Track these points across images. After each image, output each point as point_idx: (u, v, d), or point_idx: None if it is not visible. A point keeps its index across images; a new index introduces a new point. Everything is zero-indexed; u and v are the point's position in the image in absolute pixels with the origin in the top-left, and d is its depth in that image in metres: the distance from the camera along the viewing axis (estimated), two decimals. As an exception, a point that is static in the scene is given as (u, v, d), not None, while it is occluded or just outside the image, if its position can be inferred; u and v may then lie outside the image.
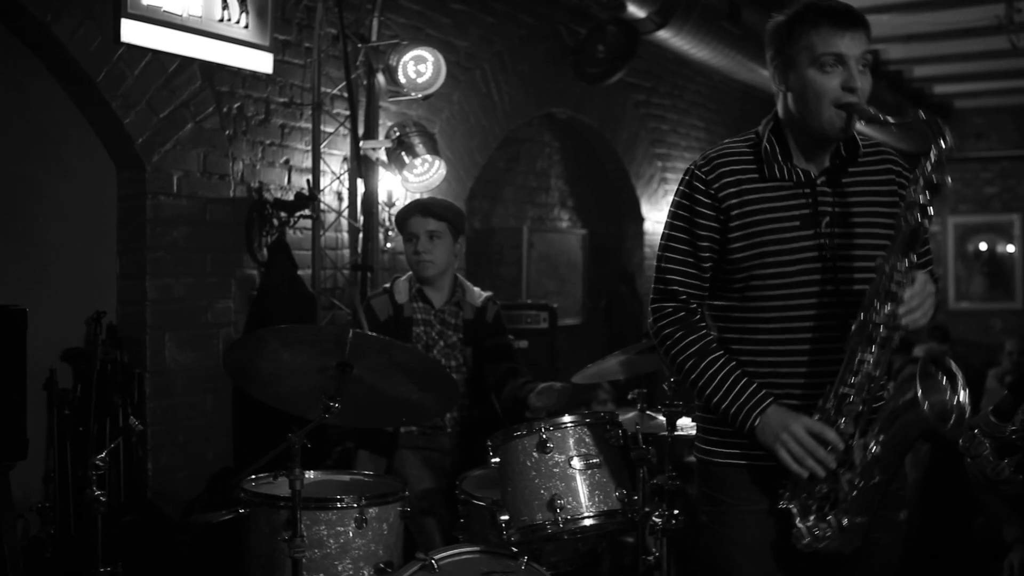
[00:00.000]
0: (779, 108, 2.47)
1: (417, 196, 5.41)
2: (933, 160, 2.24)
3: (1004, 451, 2.44)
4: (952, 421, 2.26)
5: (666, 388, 3.72)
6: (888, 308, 2.25)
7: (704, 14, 6.84)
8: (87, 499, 2.97)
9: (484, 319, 3.99)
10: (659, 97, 8.49)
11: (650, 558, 3.47)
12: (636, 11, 6.58)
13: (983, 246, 12.99)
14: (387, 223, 5.43)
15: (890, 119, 2.33)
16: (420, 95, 5.42)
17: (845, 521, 2.30)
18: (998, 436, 2.45)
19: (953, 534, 5.28)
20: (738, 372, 2.40)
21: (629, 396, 3.95)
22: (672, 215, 2.50)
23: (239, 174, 4.82)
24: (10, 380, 3.39)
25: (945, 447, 4.84)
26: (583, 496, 3.01)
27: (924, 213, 2.24)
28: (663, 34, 6.87)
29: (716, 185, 2.42)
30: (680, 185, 2.50)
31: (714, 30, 7.04)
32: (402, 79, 5.28)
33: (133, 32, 4.21)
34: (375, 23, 5.38)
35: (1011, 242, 12.86)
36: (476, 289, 4.05)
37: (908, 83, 10.98)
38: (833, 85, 2.32)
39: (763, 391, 2.37)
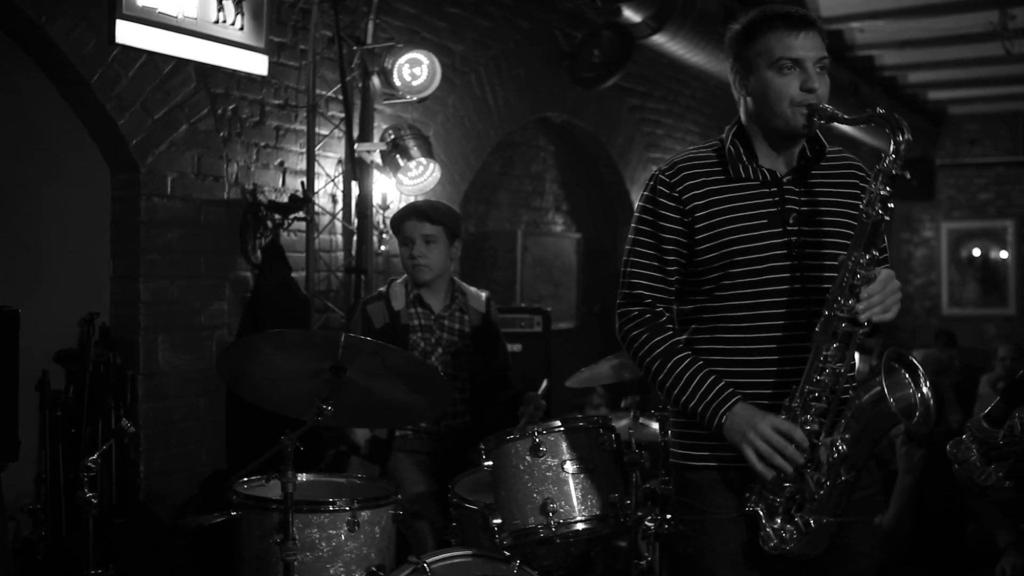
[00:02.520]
0: (741, 113, 2.51)
1: (412, 199, 5.44)
2: (893, 152, 2.27)
3: (992, 457, 2.44)
4: (917, 416, 2.27)
5: (659, 392, 3.72)
6: (851, 303, 2.27)
7: (699, 19, 6.85)
8: (79, 501, 2.97)
9: (490, 327, 3.99)
10: (654, 102, 8.50)
11: (643, 562, 3.47)
12: (632, 16, 6.59)
13: (977, 252, 13.02)
14: (381, 226, 5.43)
15: (849, 117, 2.36)
16: (415, 98, 5.43)
17: (812, 522, 2.31)
18: (990, 442, 2.45)
19: (946, 539, 5.29)
20: (705, 370, 2.41)
21: (623, 404, 3.96)
22: (637, 220, 2.52)
23: (233, 176, 4.81)
24: (2, 381, 3.38)
25: (939, 453, 4.85)
26: (576, 500, 3.01)
27: (885, 206, 2.26)
28: (658, 39, 6.88)
29: (680, 188, 2.45)
30: (644, 190, 2.53)
31: (709, 35, 7.05)
32: (397, 82, 5.28)
33: (128, 33, 4.21)
34: (370, 26, 5.39)
35: (1005, 248, 12.89)
36: (473, 290, 4.05)
37: (902, 89, 11.01)
38: (793, 86, 2.37)
39: (730, 389, 2.38)
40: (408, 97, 5.40)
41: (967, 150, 13.17)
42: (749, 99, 2.46)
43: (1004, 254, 12.89)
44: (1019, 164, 12.84)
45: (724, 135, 2.50)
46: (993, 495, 2.47)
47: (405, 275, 3.99)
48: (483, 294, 4.05)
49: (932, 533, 5.36)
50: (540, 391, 4.02)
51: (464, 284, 4.05)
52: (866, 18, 8.16)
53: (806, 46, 2.37)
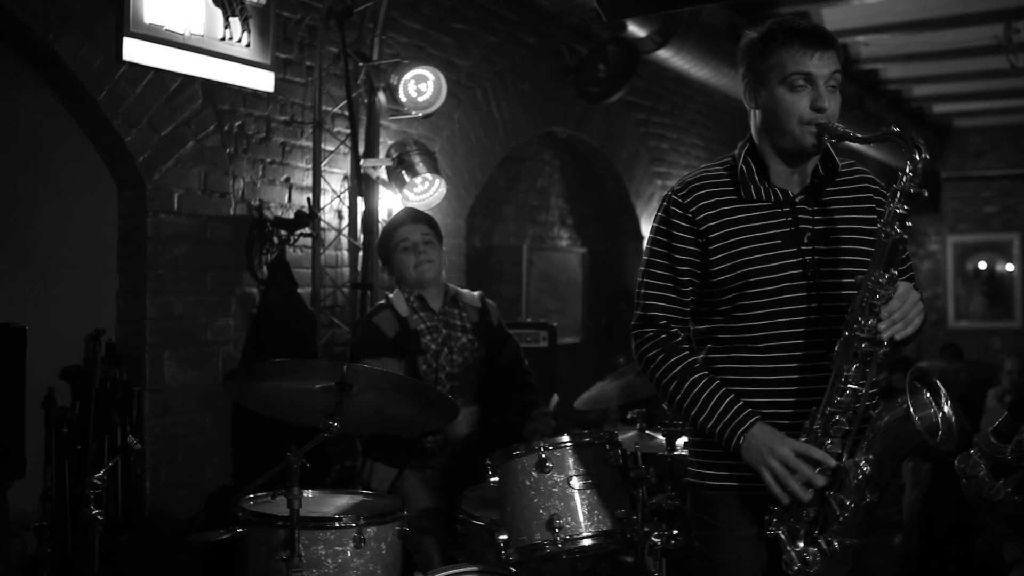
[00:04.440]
0: (752, 128, 2.49)
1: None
2: (910, 171, 2.25)
3: (1000, 472, 2.43)
4: (940, 434, 2.26)
5: (665, 407, 3.71)
6: (871, 323, 2.25)
7: (704, 34, 6.87)
8: (85, 518, 2.97)
9: (489, 320, 4.02)
10: (659, 116, 8.52)
11: (649, 578, 3.46)
12: (636, 31, 6.61)
13: (983, 265, 13.00)
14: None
15: (860, 136, 2.34)
16: (421, 114, 5.43)
17: (836, 544, 2.29)
18: (997, 457, 2.44)
19: (953, 554, 5.27)
20: (723, 391, 2.39)
21: (628, 416, 3.95)
22: (651, 241, 2.51)
23: (240, 192, 4.82)
24: (8, 398, 3.39)
25: (946, 467, 4.85)
26: (582, 516, 3.00)
27: (903, 225, 2.24)
28: (663, 53, 6.90)
29: (693, 209, 2.43)
30: (658, 211, 2.52)
31: (714, 50, 7.06)
32: (403, 98, 5.29)
33: (135, 51, 4.22)
34: (376, 42, 5.40)
35: (1010, 261, 12.86)
36: (466, 291, 4.12)
37: (907, 102, 11.02)
38: (803, 104, 2.35)
39: (748, 409, 2.36)
40: (414, 113, 5.41)
41: (972, 163, 13.16)
42: (759, 112, 2.44)
43: (1010, 267, 12.87)
44: (1024, 177, 12.84)
45: (736, 152, 2.48)
46: (1002, 510, 2.46)
47: (396, 289, 4.03)
48: (476, 293, 4.11)
49: (939, 548, 5.34)
50: (551, 407, 4.01)
51: (455, 286, 4.12)
52: (871, 32, 8.17)
53: (819, 64, 2.34)
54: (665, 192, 2.54)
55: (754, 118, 2.47)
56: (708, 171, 2.50)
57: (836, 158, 2.48)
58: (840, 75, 2.40)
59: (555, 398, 4.08)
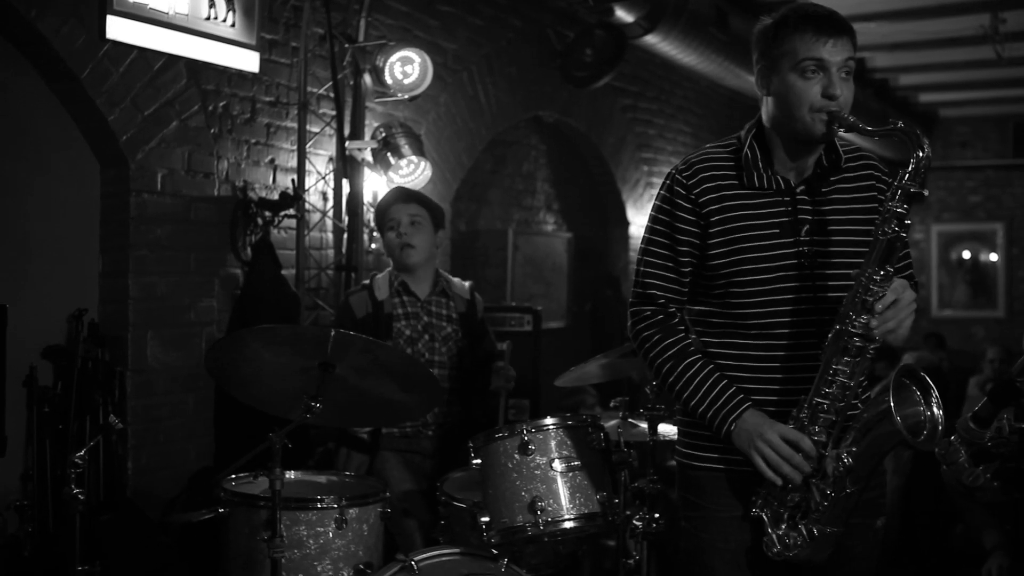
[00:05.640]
0: (762, 113, 2.47)
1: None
2: (911, 170, 2.24)
3: (979, 458, 2.45)
4: (924, 435, 2.26)
5: (648, 392, 3.73)
6: (863, 319, 2.25)
7: (692, 20, 6.86)
8: (66, 497, 2.95)
9: (475, 314, 4.02)
10: (646, 102, 8.51)
11: (631, 561, 3.47)
12: (624, 16, 6.59)
13: (966, 254, 13.06)
14: (372, 224, 5.43)
15: (869, 128, 2.31)
16: (407, 96, 5.41)
17: (816, 531, 2.30)
18: (976, 443, 2.45)
19: (933, 541, 5.30)
20: (716, 375, 2.40)
21: (611, 404, 3.96)
22: (652, 219, 2.50)
23: (224, 173, 4.80)
24: (-11, 377, 3.37)
25: (927, 455, 4.87)
26: (564, 498, 3.01)
27: (901, 223, 2.24)
28: (651, 39, 6.88)
29: (697, 190, 2.42)
30: (661, 189, 2.51)
31: (701, 36, 7.05)
32: (389, 80, 5.27)
33: (118, 29, 4.19)
34: (362, 23, 5.38)
35: (994, 251, 12.93)
36: (457, 280, 4.09)
37: (894, 91, 11.03)
38: (814, 91, 2.32)
39: (740, 395, 2.37)
40: (400, 95, 5.39)
41: (958, 153, 13.20)
42: (770, 99, 2.42)
43: (993, 257, 12.93)
44: (1009, 167, 12.88)
45: (743, 134, 2.47)
46: (981, 496, 2.48)
47: (388, 269, 4.02)
48: (467, 283, 4.10)
49: (919, 534, 5.38)
50: (505, 357, 4.00)
51: (448, 274, 4.10)
52: (858, 20, 8.12)
53: (832, 51, 2.32)
54: (669, 171, 2.52)
55: (765, 105, 2.45)
56: (713, 152, 2.48)
57: (840, 150, 2.47)
58: (854, 62, 2.37)
59: (506, 344, 4.04)
